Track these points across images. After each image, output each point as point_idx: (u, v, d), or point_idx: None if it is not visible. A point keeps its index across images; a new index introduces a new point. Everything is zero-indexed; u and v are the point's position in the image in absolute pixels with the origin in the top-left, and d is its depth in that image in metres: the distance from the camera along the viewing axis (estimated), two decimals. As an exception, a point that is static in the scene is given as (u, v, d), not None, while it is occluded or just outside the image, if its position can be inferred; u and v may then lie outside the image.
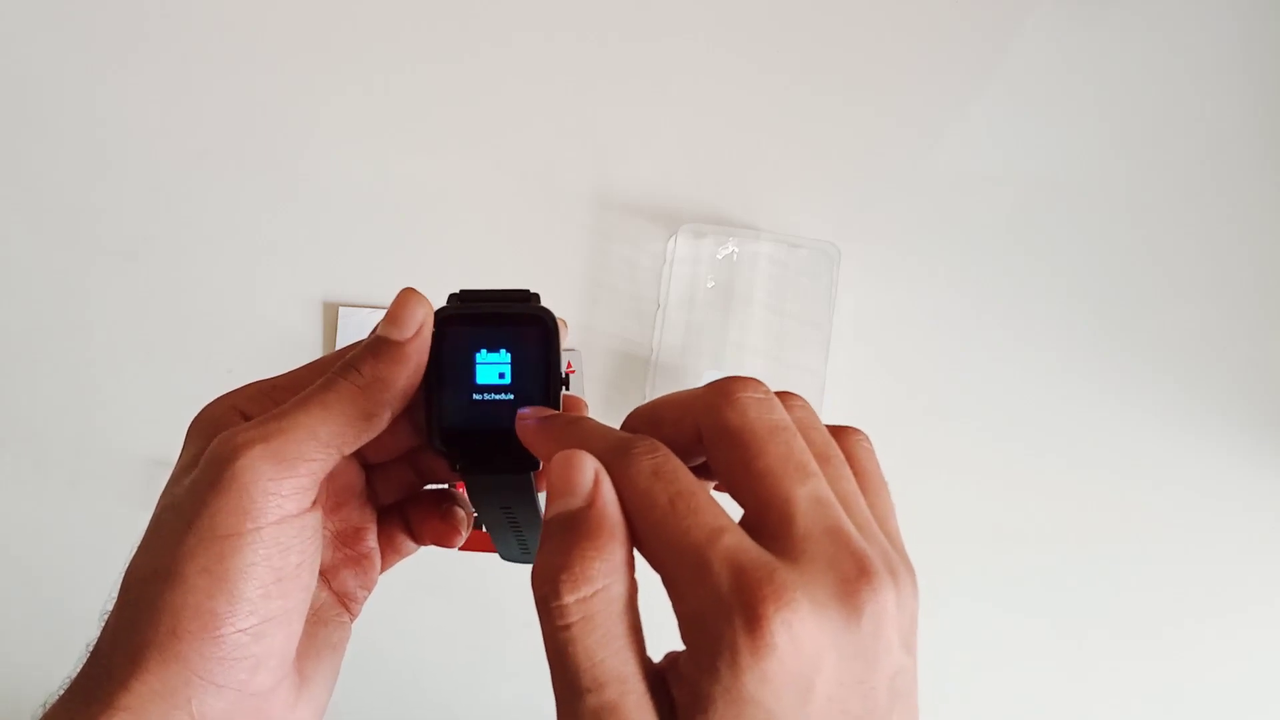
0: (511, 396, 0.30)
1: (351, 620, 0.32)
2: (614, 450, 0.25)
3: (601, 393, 0.66)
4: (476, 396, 0.30)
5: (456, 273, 0.67)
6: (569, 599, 0.23)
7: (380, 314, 0.68)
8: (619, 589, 0.23)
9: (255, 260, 0.67)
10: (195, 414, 0.30)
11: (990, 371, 0.67)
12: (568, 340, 0.66)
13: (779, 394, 0.27)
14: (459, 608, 0.67)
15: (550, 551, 0.24)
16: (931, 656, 0.68)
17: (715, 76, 0.67)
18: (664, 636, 0.24)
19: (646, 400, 0.65)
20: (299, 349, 0.67)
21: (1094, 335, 0.67)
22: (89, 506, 0.67)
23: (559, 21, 0.67)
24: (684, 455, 0.26)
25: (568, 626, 0.23)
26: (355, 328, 0.66)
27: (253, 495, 0.26)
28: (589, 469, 0.24)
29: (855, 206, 0.67)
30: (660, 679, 0.24)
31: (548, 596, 0.23)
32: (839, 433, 0.28)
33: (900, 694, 0.24)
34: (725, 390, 0.26)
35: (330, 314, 0.67)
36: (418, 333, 0.29)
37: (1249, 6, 0.67)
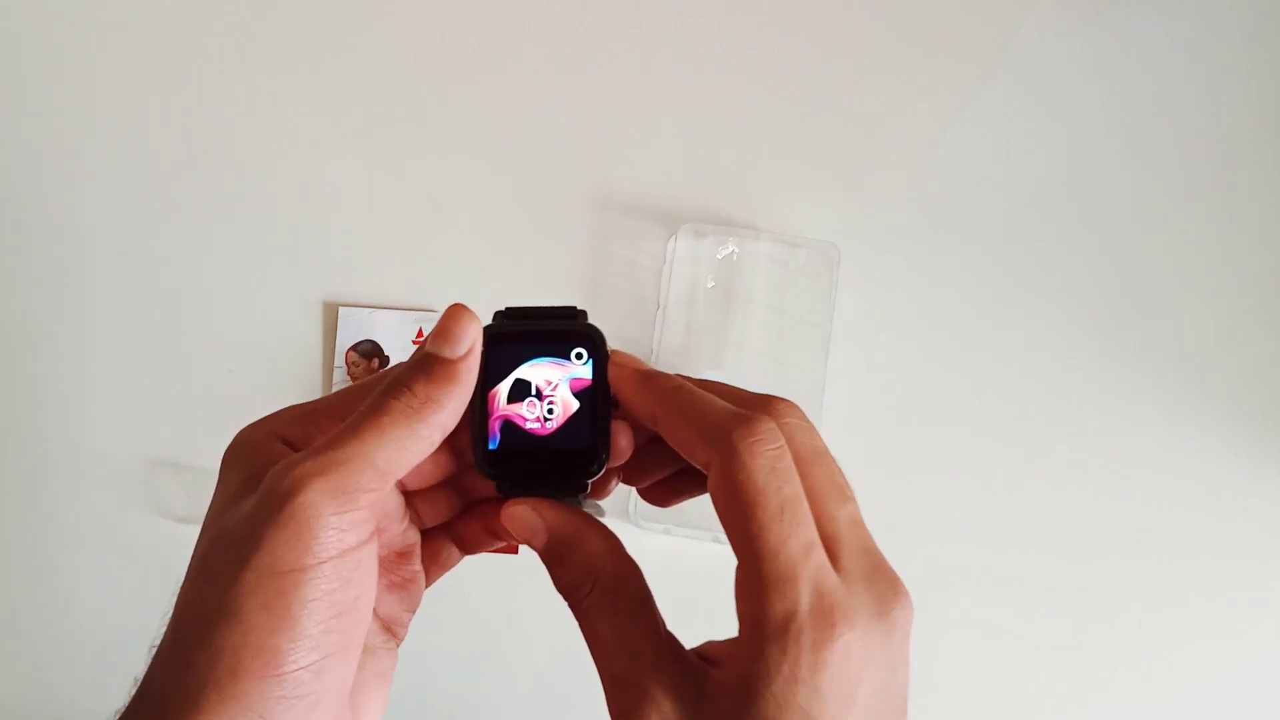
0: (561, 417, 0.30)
1: (398, 645, 0.32)
2: (740, 421, 0.26)
3: (601, 393, 0.66)
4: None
5: (457, 273, 0.67)
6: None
7: (381, 314, 0.68)
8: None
9: (255, 260, 0.67)
10: (231, 440, 0.29)
11: (991, 372, 0.67)
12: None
13: (774, 409, 0.27)
14: (459, 607, 0.67)
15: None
16: (932, 656, 0.68)
17: (716, 77, 0.67)
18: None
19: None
20: (299, 349, 0.67)
21: (1095, 335, 0.67)
22: (89, 506, 0.67)
23: (559, 22, 0.67)
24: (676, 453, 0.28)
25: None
26: (355, 328, 0.66)
27: (314, 530, 0.25)
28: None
29: (855, 206, 0.67)
30: (689, 656, 0.26)
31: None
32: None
33: (904, 695, 0.26)
34: (745, 434, 0.26)
35: (330, 314, 0.67)
36: (469, 351, 0.28)
37: (1249, 5, 0.67)
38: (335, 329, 0.66)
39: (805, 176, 0.67)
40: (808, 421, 0.28)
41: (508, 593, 0.66)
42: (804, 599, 0.24)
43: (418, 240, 0.67)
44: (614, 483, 0.32)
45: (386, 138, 0.67)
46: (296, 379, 0.67)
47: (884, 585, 0.25)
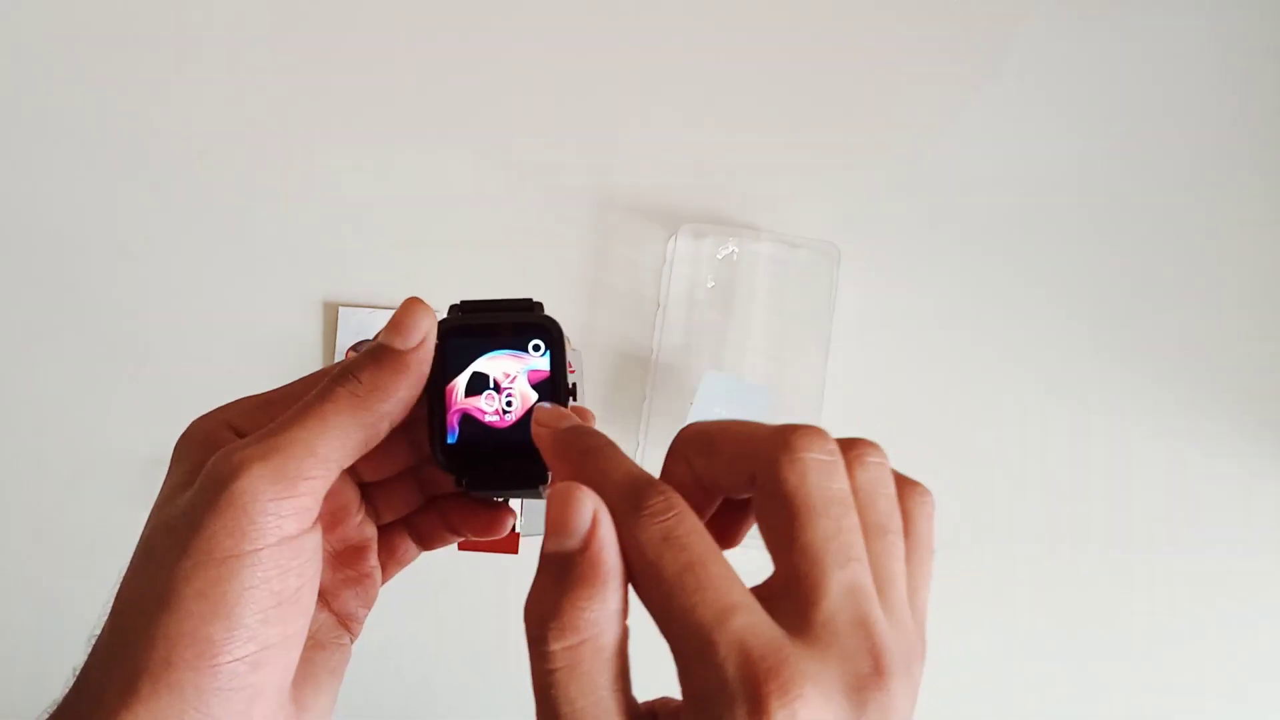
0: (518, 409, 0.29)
1: (352, 641, 0.31)
2: (625, 500, 0.24)
3: (602, 393, 0.66)
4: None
5: (456, 273, 0.67)
6: (556, 646, 0.22)
7: (381, 314, 0.68)
8: (609, 637, 0.23)
9: (255, 260, 0.67)
10: (184, 429, 0.29)
11: (990, 371, 0.67)
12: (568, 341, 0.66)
13: (852, 443, 0.26)
14: (447, 602, 0.67)
15: (542, 590, 0.23)
16: (932, 654, 0.68)
17: (715, 76, 0.67)
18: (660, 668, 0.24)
19: (645, 400, 0.65)
20: (299, 349, 0.67)
21: (1094, 334, 0.67)
22: (89, 506, 0.67)
23: (559, 22, 0.67)
24: (731, 490, 0.26)
25: (553, 671, 0.23)
26: (355, 328, 0.66)
27: (252, 516, 0.25)
28: (586, 510, 0.23)
29: (855, 206, 0.67)
30: None
31: (536, 639, 0.23)
32: (902, 487, 0.27)
33: None
34: (790, 444, 0.24)
35: (330, 314, 0.67)
36: (421, 343, 0.28)
37: (1249, 6, 0.67)
38: (335, 329, 0.66)
39: (805, 176, 0.67)
40: (832, 456, 0.25)
41: (503, 590, 0.66)
42: (728, 668, 0.21)
43: (418, 240, 0.67)
44: None
45: (387, 138, 0.67)
46: (296, 379, 0.67)
47: (864, 663, 0.22)
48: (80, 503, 0.67)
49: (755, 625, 0.22)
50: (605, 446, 0.26)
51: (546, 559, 0.24)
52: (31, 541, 0.68)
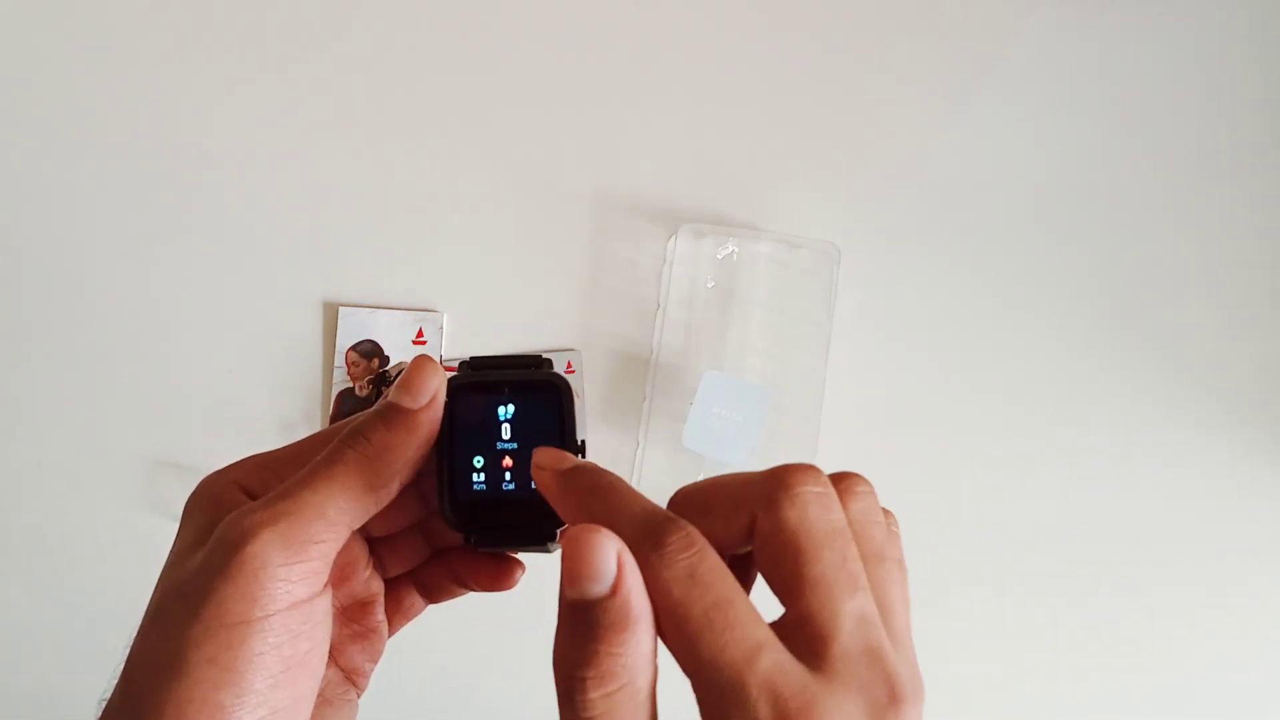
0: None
1: (358, 695, 0.31)
2: (645, 536, 0.23)
3: (601, 392, 0.66)
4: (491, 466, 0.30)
5: (457, 273, 0.67)
6: (594, 694, 0.22)
7: (381, 314, 0.68)
8: (644, 680, 0.23)
9: (255, 260, 0.67)
10: (192, 489, 0.29)
11: (992, 370, 0.67)
12: (568, 340, 0.66)
13: (841, 476, 0.26)
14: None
15: (570, 639, 0.23)
16: (932, 653, 0.68)
17: (715, 77, 0.67)
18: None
19: (646, 400, 0.65)
20: (299, 349, 0.67)
21: (1094, 333, 0.67)
22: (89, 506, 0.67)
23: (558, 22, 0.67)
24: (731, 545, 0.26)
25: (589, 719, 0.22)
26: (355, 328, 0.66)
27: (262, 582, 0.25)
28: (610, 554, 0.23)
29: (855, 206, 0.67)
30: None
31: (571, 689, 0.23)
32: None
33: None
34: (785, 483, 0.25)
35: (330, 314, 0.67)
36: (431, 401, 0.28)
37: (1249, 6, 0.67)
38: (335, 329, 0.66)
39: (805, 176, 0.67)
40: (826, 489, 0.25)
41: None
42: (759, 709, 0.21)
43: (418, 240, 0.67)
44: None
45: (387, 137, 0.67)
46: (296, 379, 0.67)
47: (881, 692, 0.23)
48: (80, 503, 0.67)
49: (782, 664, 0.22)
50: (613, 483, 0.26)
51: (571, 607, 0.23)
52: (32, 541, 0.68)
